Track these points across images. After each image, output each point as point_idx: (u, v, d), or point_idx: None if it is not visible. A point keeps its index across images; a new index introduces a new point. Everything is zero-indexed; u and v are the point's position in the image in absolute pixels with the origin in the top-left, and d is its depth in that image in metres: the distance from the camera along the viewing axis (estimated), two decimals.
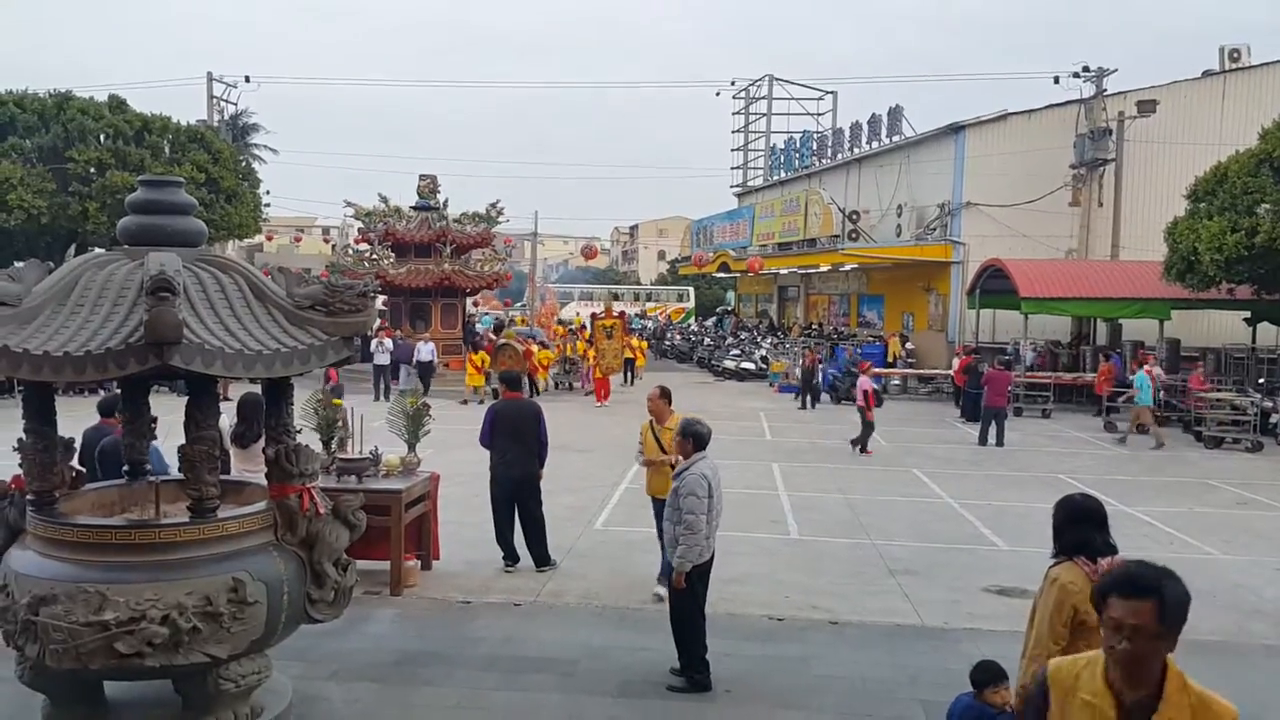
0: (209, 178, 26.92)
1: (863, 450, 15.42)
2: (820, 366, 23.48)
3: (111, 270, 4.80)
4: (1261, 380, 19.49)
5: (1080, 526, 4.08)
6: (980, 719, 3.94)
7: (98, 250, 5.19)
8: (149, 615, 4.42)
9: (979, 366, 19.45)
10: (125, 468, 5.65)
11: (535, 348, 23.40)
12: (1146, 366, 19.49)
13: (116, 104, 26.55)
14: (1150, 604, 2.45)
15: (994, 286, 24.18)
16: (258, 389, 5.99)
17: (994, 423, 16.69)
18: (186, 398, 4.87)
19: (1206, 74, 28.04)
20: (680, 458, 6.29)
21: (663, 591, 7.38)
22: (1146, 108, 25.58)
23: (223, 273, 5.08)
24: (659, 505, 7.50)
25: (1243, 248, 17.47)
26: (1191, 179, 20.04)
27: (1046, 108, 27.90)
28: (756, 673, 6.16)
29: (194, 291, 4.76)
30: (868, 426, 15.53)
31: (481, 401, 20.49)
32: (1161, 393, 19.76)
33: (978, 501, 11.80)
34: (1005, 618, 7.09)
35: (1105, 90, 26.47)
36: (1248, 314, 21.96)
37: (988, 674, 3.99)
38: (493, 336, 25.01)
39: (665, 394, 7.92)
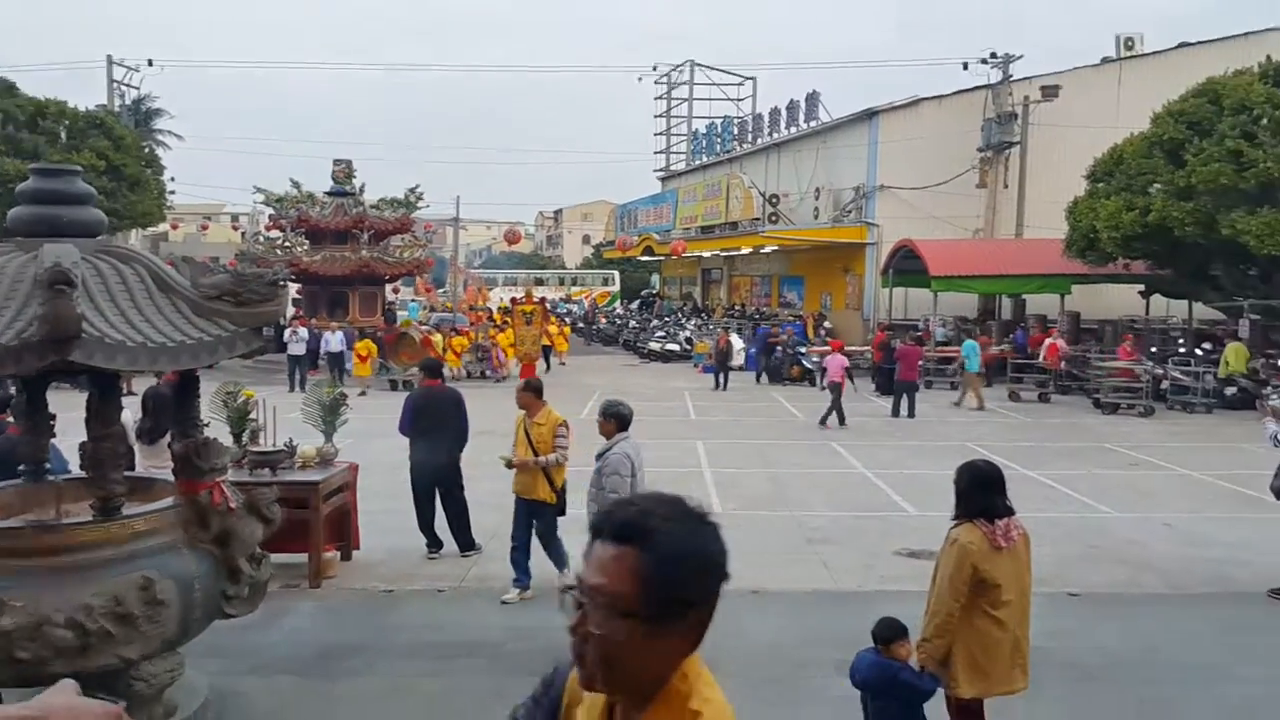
0: (110, 165, 25.90)
1: (841, 422, 15.91)
2: (780, 345, 23.50)
3: (3, 264, 4.63)
4: (1154, 349, 20.53)
5: (984, 491, 4.31)
6: (886, 672, 4.13)
7: None
8: (52, 620, 4.30)
9: (891, 343, 20.03)
10: (21, 467, 5.46)
11: (439, 336, 22.96)
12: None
13: (6, 88, 25.29)
14: (630, 553, 1.40)
15: (906, 266, 24.89)
16: (162, 383, 5.86)
17: (906, 395, 17.23)
18: (86, 394, 4.74)
19: (1105, 61, 29.20)
20: (604, 437, 6.38)
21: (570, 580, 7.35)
22: (1049, 92, 26.56)
23: (124, 264, 4.93)
24: (521, 506, 7.27)
25: (1137, 225, 18.41)
26: (1091, 161, 20.96)
27: (956, 93, 28.72)
28: None
29: (94, 284, 4.62)
30: (837, 402, 16.07)
31: (363, 393, 19.72)
32: (1064, 363, 20.72)
33: (891, 470, 12.20)
34: (914, 578, 7.37)
35: (1011, 76, 27.37)
36: (1142, 287, 23.10)
37: (890, 630, 4.21)
38: (422, 326, 24.63)
39: (533, 388, 7.39)
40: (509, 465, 7.24)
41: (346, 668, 5.99)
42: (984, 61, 27.54)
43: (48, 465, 5.52)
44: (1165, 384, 18.65)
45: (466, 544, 8.37)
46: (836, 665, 5.83)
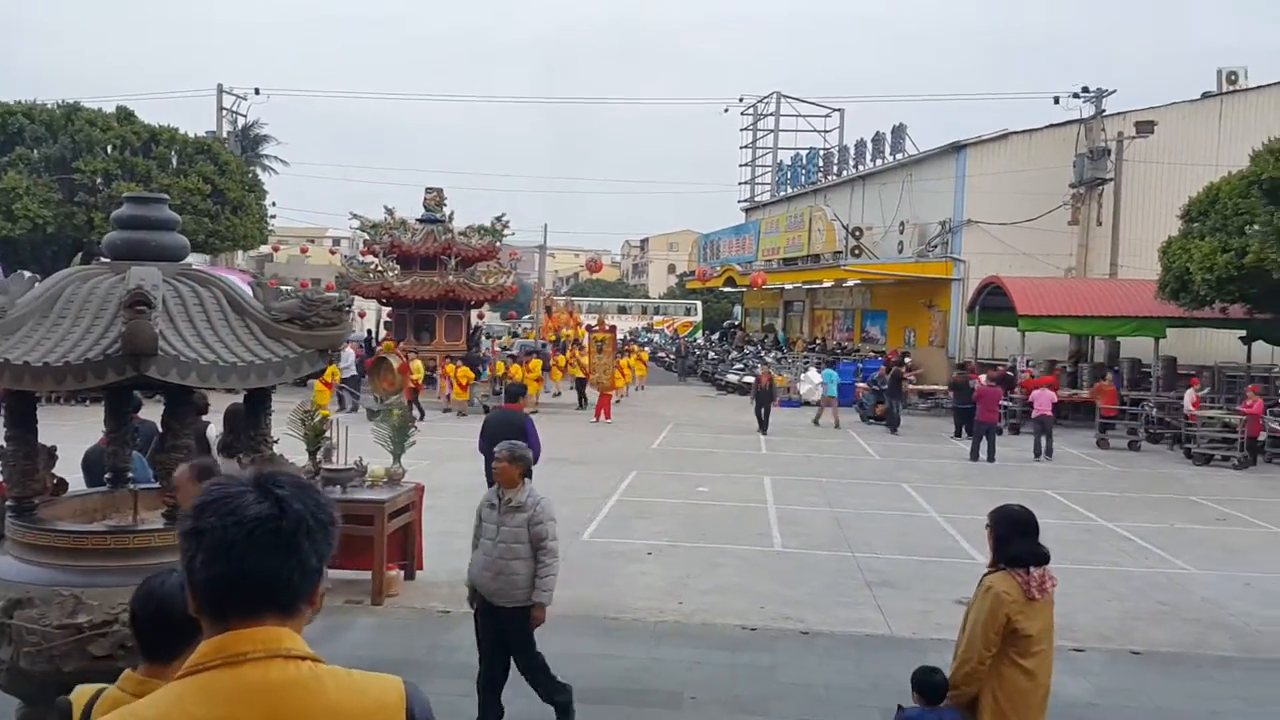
0: (215, 189, 27.27)
1: (1049, 455, 17.18)
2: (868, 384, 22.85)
3: (94, 284, 4.98)
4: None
5: (1022, 538, 4.22)
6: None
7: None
8: (121, 619, 4.56)
9: (967, 383, 19.55)
10: (108, 475, 5.81)
11: (418, 364, 20.99)
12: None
13: (124, 115, 26.94)
14: None
15: (994, 303, 24.31)
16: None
17: (985, 438, 16.76)
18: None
19: (1205, 95, 28.16)
20: (504, 484, 5.65)
21: None
22: (1144, 128, 25.70)
23: (202, 287, 5.25)
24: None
25: (1233, 268, 17.61)
26: (1187, 199, 20.19)
27: (1047, 127, 28.05)
28: (721, 680, 6.27)
29: (173, 305, 4.93)
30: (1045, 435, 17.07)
31: (461, 413, 19.51)
32: (1155, 410, 19.91)
33: (962, 515, 11.88)
34: None
35: (1104, 111, 26.59)
36: (1243, 332, 22.02)
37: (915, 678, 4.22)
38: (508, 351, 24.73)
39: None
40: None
41: None
42: (1076, 96, 26.86)
43: (130, 474, 5.87)
44: (1264, 436, 17.67)
45: None
46: (883, 712, 5.74)
